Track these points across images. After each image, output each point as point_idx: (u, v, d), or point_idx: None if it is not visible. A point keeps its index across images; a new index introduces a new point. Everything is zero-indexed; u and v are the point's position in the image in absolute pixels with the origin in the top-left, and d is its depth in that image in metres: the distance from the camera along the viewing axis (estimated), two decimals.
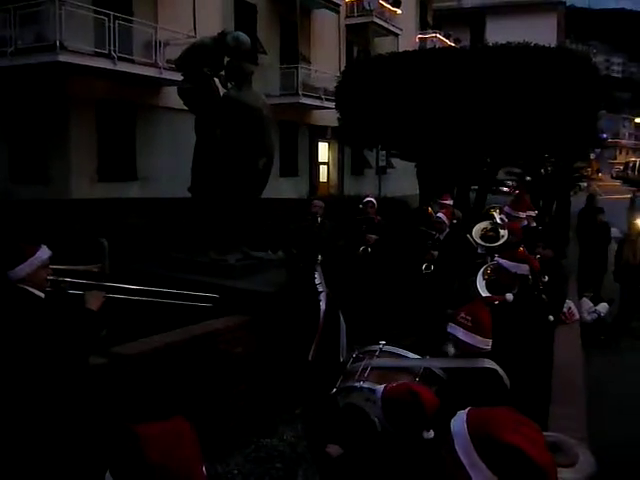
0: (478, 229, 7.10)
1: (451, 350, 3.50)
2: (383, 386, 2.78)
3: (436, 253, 8.05)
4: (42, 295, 3.63)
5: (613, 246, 11.81)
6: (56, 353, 3.46)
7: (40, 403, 3.38)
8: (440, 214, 8.36)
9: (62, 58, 13.99)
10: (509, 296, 4.51)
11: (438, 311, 7.13)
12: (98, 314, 3.81)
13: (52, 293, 3.86)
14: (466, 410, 1.79)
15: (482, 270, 5.54)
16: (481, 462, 1.63)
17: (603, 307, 9.83)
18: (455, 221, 8.50)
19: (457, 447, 1.69)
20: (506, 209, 7.49)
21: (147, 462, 1.48)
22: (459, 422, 1.75)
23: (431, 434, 2.57)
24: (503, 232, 6.84)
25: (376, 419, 3.04)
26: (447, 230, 8.18)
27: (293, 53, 22.96)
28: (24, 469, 3.29)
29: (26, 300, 3.52)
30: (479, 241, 6.94)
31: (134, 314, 5.44)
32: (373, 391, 3.63)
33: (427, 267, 8.05)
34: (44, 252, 3.66)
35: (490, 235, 6.94)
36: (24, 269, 3.52)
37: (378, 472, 2.76)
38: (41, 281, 3.64)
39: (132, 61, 16.20)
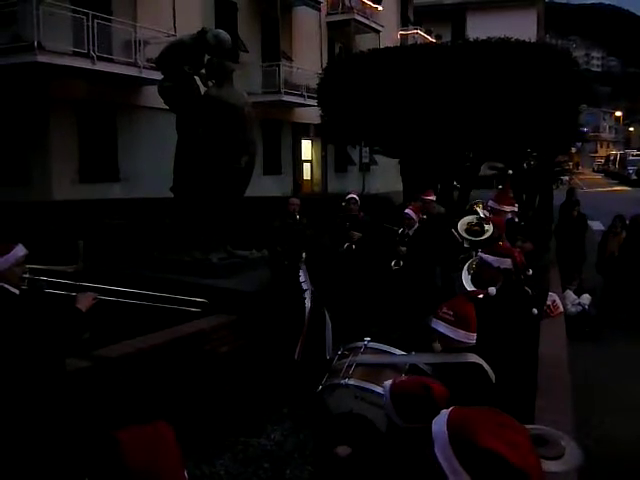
0: (463, 223, 7.11)
1: (438, 347, 3.49)
2: (390, 382, 2.74)
3: (404, 249, 8.05)
4: (16, 292, 3.65)
5: (595, 238, 11.89)
6: (29, 348, 3.46)
7: (14, 401, 3.35)
8: (408, 210, 8.33)
9: (40, 59, 13.85)
10: (492, 290, 4.51)
11: (419, 306, 7.14)
12: (84, 314, 3.84)
13: (28, 291, 3.88)
14: (448, 410, 1.76)
15: (467, 265, 5.55)
16: (461, 468, 1.60)
17: (586, 298, 9.89)
18: (425, 216, 8.49)
19: (437, 451, 1.65)
20: (490, 203, 7.49)
21: (127, 468, 1.45)
22: (439, 424, 1.71)
23: None
24: (488, 226, 6.85)
25: (380, 418, 3.00)
26: (416, 226, 8.17)
27: (274, 51, 22.89)
28: None
29: (0, 295, 3.53)
30: (464, 235, 6.95)
31: (115, 316, 5.39)
32: (361, 388, 3.62)
33: (396, 263, 8.05)
34: (19, 250, 3.68)
35: (475, 229, 6.95)
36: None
37: (388, 471, 2.73)
38: (16, 278, 3.67)
39: (112, 61, 16.07)
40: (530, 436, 2.15)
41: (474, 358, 3.27)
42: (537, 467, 1.64)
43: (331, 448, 3.05)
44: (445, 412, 1.75)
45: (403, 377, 2.83)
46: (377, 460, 2.83)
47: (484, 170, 18.75)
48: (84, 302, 3.87)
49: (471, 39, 15.15)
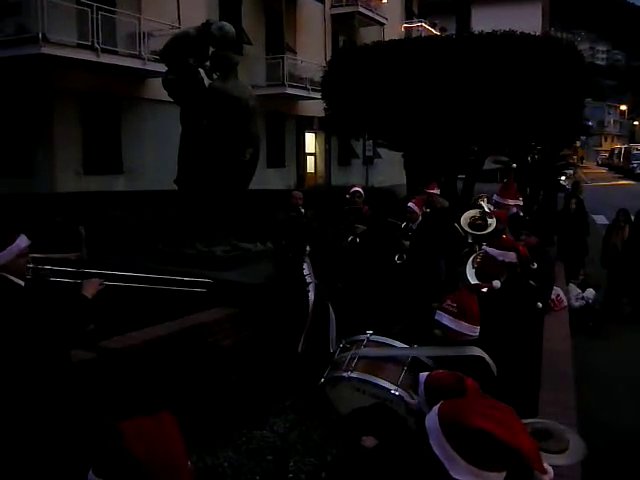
0: (466, 217, 7.09)
1: (439, 333, 3.46)
2: (425, 374, 2.71)
3: (407, 243, 8.02)
4: (21, 283, 3.63)
5: (600, 232, 11.83)
6: (36, 339, 3.46)
7: (19, 393, 3.36)
8: (411, 204, 8.27)
9: (45, 50, 13.86)
10: (496, 283, 4.48)
11: (421, 300, 7.12)
12: (90, 301, 3.83)
13: (32, 281, 3.86)
14: (438, 404, 1.78)
15: (472, 259, 5.53)
16: (455, 453, 1.62)
17: (590, 293, 9.87)
18: (428, 210, 8.46)
19: (431, 442, 1.68)
20: (495, 197, 7.48)
21: (132, 458, 1.45)
22: (432, 417, 1.74)
23: None
24: (491, 220, 6.83)
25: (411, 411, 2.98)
26: (420, 219, 8.14)
27: (279, 43, 22.84)
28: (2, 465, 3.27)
29: (5, 287, 3.52)
30: (467, 229, 6.93)
31: (121, 306, 5.40)
32: (363, 381, 3.63)
33: (400, 257, 8.03)
34: (23, 241, 3.66)
35: (478, 223, 6.93)
36: (3, 257, 3.52)
37: (414, 463, 2.72)
38: (20, 269, 3.66)
39: (116, 53, 16.07)
40: (534, 430, 2.15)
41: (476, 351, 3.26)
42: (532, 447, 1.65)
43: (356, 439, 3.03)
44: (435, 407, 1.78)
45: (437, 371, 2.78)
46: (406, 453, 2.81)
47: (488, 164, 18.70)
48: (90, 289, 3.86)
49: (476, 32, 15.10)
